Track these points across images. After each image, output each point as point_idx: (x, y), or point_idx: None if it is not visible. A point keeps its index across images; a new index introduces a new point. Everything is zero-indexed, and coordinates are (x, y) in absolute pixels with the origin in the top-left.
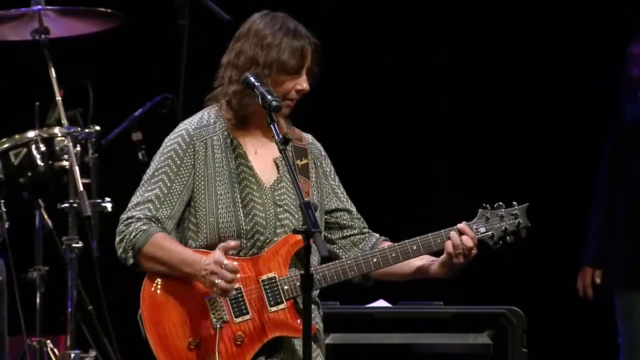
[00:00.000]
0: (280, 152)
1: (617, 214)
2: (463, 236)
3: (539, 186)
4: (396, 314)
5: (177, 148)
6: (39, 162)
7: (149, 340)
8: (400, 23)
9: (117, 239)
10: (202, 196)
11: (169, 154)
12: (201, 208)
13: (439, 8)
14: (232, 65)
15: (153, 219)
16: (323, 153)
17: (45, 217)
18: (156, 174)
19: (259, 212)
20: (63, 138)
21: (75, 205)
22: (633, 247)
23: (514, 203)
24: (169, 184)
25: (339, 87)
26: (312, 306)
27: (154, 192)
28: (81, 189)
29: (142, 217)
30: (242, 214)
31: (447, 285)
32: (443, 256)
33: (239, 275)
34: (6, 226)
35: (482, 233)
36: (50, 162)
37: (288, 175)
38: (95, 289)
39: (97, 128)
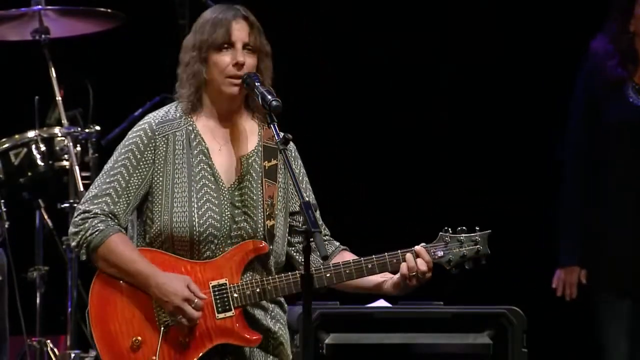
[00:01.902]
0: (280, 152)
1: (605, 216)
2: (418, 259)
3: (538, 186)
4: (396, 314)
5: (139, 141)
6: (39, 162)
7: (93, 337)
8: (399, 22)
9: (72, 230)
10: (160, 192)
11: (129, 147)
12: (157, 204)
13: (438, 8)
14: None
15: (110, 215)
16: (294, 154)
17: (45, 217)
18: (116, 166)
19: (214, 213)
20: (63, 138)
21: (75, 205)
22: (626, 251)
23: (477, 228)
24: (127, 178)
25: (338, 87)
26: (272, 305)
27: (112, 185)
28: (81, 189)
29: (99, 212)
30: (196, 216)
31: (447, 285)
32: (397, 277)
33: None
34: (6, 226)
35: (439, 257)
36: (50, 162)
37: (254, 175)
38: None
39: (97, 128)
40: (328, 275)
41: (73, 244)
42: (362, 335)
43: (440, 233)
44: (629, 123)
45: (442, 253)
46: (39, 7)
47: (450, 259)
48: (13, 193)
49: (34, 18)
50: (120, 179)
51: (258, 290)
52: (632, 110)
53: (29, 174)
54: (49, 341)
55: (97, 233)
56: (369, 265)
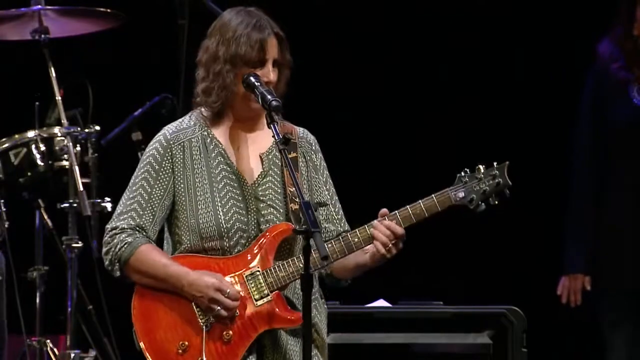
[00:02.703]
0: (281, 152)
1: (610, 218)
2: (380, 232)
3: (538, 186)
4: (396, 314)
5: (155, 154)
6: (39, 162)
7: (142, 349)
8: (399, 21)
9: (104, 250)
10: (183, 199)
11: (147, 160)
12: (183, 211)
13: (439, 7)
14: (200, 64)
15: (137, 228)
16: (314, 147)
17: (45, 217)
18: (136, 181)
19: (239, 209)
20: (63, 138)
21: (75, 205)
22: (631, 250)
23: (494, 164)
24: (149, 190)
25: (338, 87)
26: (313, 303)
27: (135, 199)
28: (81, 189)
29: (126, 227)
30: (221, 213)
31: (447, 285)
32: (374, 253)
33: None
34: (6, 226)
35: (460, 198)
36: (50, 162)
37: (276, 170)
38: (95, 289)
39: (97, 128)
40: (356, 240)
41: (106, 263)
42: (362, 335)
43: (458, 175)
44: (632, 124)
45: (463, 194)
46: (39, 7)
47: (473, 197)
48: (13, 193)
49: (34, 18)
50: (143, 192)
51: (291, 270)
52: (636, 112)
53: (29, 174)
54: (48, 341)
55: (125, 246)
56: (355, 240)
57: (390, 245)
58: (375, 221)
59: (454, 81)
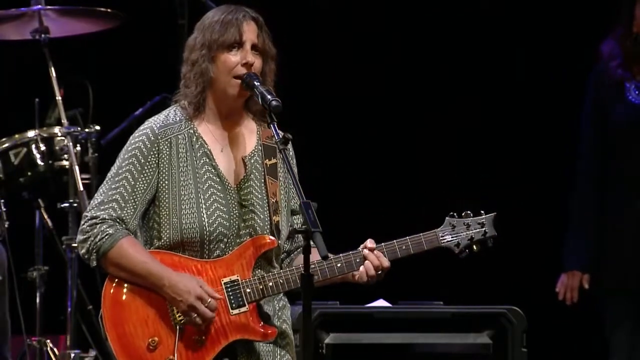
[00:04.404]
0: (280, 152)
1: (611, 217)
2: (370, 262)
3: (539, 187)
4: (396, 314)
5: (142, 146)
6: (39, 162)
7: (108, 340)
8: (399, 20)
9: (80, 237)
10: (166, 196)
11: (133, 152)
12: (165, 208)
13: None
14: (184, 62)
15: (118, 220)
16: (291, 153)
17: (45, 217)
18: (120, 172)
19: (222, 213)
20: (63, 138)
21: (75, 205)
22: (634, 250)
23: (482, 212)
24: (132, 183)
25: (338, 86)
26: (279, 307)
27: (117, 190)
28: (81, 188)
29: (107, 218)
30: (205, 216)
31: (447, 285)
32: (360, 278)
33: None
34: (6, 226)
35: (447, 241)
36: (50, 161)
37: (257, 175)
38: (95, 289)
39: (97, 128)
40: (339, 265)
41: (82, 251)
42: (362, 335)
43: (447, 218)
44: (631, 123)
45: (450, 237)
46: (39, 6)
47: (459, 242)
48: (13, 193)
49: (34, 18)
50: (126, 184)
51: (270, 284)
52: (635, 110)
53: (29, 173)
54: (48, 341)
55: (106, 237)
56: (338, 265)
57: (375, 275)
58: (366, 250)
59: (454, 81)
